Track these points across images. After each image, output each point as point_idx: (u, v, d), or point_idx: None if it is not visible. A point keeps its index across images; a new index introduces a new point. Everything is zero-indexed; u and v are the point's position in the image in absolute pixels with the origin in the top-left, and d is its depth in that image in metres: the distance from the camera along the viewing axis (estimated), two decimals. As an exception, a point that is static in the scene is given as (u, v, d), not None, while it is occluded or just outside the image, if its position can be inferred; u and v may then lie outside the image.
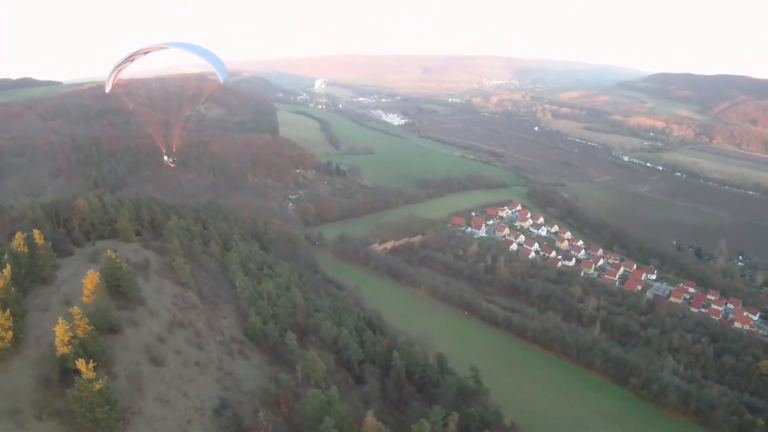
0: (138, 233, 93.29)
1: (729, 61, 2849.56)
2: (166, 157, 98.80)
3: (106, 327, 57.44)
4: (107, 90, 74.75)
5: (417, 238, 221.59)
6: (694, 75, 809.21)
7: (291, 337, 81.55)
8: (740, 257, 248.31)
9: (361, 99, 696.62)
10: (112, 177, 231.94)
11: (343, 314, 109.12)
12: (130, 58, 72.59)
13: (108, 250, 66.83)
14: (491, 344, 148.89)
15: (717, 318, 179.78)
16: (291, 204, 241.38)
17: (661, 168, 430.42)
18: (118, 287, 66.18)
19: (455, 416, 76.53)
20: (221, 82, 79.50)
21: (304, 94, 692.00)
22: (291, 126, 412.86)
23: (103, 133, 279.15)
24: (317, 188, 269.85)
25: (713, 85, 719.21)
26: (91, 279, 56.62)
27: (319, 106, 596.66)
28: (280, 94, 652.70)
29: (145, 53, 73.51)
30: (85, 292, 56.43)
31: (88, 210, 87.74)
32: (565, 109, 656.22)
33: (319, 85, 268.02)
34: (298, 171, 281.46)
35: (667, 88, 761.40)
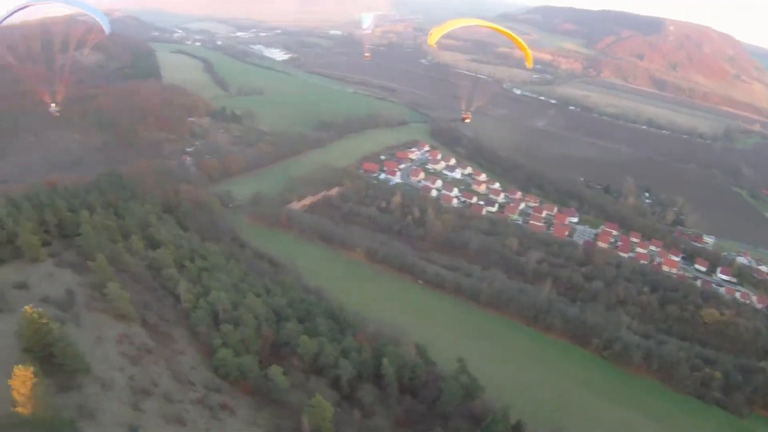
0: (46, 243, 69.71)
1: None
2: (53, 105, 79.91)
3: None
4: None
5: (334, 191, 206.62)
6: (577, 9, 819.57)
7: (277, 372, 65.21)
8: (646, 194, 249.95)
9: (239, 34, 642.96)
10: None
11: (301, 310, 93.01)
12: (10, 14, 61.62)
13: (26, 307, 44.96)
14: (446, 313, 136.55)
15: (646, 262, 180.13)
16: (189, 158, 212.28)
17: (554, 102, 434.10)
18: (51, 357, 45.27)
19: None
20: (106, 33, 72.69)
21: (180, 31, 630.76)
22: (173, 68, 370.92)
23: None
24: (214, 138, 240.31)
25: (597, 20, 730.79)
26: (21, 380, 35.65)
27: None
28: (156, 33, 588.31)
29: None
30: (18, 398, 35.63)
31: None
32: (450, 41, 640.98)
33: (368, 22, 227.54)
34: (191, 120, 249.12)
35: (551, 21, 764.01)
